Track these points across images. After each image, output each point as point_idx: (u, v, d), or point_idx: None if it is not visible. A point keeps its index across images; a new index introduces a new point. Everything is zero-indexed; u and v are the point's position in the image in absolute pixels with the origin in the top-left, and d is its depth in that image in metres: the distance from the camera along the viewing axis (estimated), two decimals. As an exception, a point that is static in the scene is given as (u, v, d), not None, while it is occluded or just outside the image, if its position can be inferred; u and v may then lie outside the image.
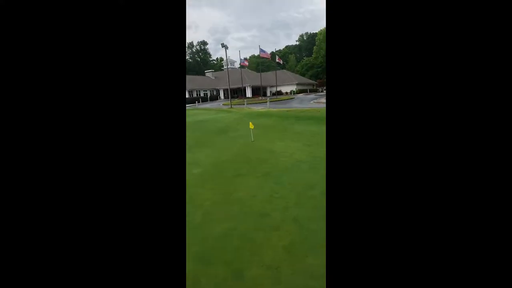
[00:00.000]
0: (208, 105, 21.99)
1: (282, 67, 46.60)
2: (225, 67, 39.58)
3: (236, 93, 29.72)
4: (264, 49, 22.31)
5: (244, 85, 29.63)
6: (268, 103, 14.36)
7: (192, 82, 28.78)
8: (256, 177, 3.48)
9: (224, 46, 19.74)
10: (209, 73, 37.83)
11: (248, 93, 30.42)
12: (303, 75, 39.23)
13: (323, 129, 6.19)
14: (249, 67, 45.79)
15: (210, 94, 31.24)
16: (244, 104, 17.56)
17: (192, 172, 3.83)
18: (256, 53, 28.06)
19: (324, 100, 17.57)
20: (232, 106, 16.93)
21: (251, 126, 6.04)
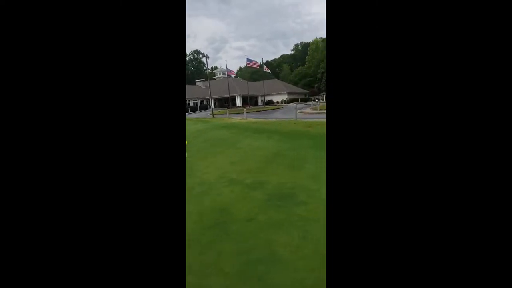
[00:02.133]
0: (195, 115, 21.76)
1: (277, 76, 46.90)
2: (217, 76, 39.83)
3: (227, 102, 29.62)
4: (251, 58, 22.26)
5: (234, 94, 29.57)
6: (245, 113, 14.07)
7: (181, 92, 28.68)
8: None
9: (205, 56, 19.58)
10: (200, 82, 37.99)
11: (238, 102, 30.30)
12: (296, 84, 39.21)
13: (270, 143, 5.78)
14: (243, 76, 46.05)
15: (200, 103, 31.17)
16: (226, 113, 17.44)
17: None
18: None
19: (308, 110, 17.24)
20: (214, 116, 16.77)
21: (187, 142, 5.61)
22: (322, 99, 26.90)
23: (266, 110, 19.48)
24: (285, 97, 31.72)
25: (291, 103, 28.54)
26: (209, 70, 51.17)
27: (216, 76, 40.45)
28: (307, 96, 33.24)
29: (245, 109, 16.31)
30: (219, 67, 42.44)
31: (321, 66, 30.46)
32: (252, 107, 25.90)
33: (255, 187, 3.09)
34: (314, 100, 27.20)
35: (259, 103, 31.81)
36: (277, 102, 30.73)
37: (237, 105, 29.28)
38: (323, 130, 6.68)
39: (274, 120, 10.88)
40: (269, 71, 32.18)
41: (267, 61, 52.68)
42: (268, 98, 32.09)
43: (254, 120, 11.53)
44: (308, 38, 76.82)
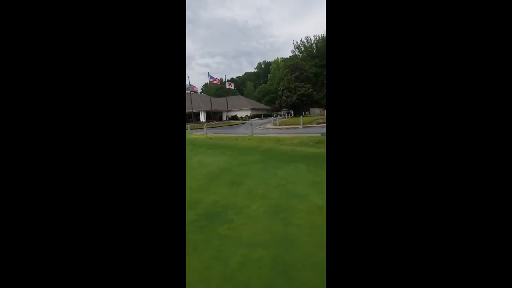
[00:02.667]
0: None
1: (241, 92, 47.93)
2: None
3: (190, 117, 28.99)
4: (213, 76, 22.42)
5: (198, 109, 29.13)
6: (205, 128, 13.88)
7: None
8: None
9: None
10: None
11: (202, 117, 29.89)
12: (260, 100, 40.52)
13: (222, 158, 5.69)
14: (209, 92, 45.88)
15: (162, 119, 29.84)
16: (188, 129, 16.98)
17: None
18: (221, 77, 28.28)
19: (269, 125, 17.76)
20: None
21: None
22: (283, 115, 28.11)
23: (229, 125, 19.53)
24: (249, 112, 32.39)
25: (255, 119, 29.20)
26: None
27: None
28: (270, 112, 34.46)
29: (205, 125, 16.09)
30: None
31: (281, 84, 32.21)
32: (216, 122, 25.74)
33: (188, 207, 2.95)
34: (276, 116, 28.33)
35: (224, 118, 31.82)
36: (241, 118, 31.15)
37: (201, 120, 28.84)
38: (272, 145, 6.90)
39: (231, 135, 10.91)
40: (232, 87, 32.73)
41: (232, 78, 53.79)
42: (232, 113, 32.34)
43: (212, 135, 11.39)
44: (271, 58, 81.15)
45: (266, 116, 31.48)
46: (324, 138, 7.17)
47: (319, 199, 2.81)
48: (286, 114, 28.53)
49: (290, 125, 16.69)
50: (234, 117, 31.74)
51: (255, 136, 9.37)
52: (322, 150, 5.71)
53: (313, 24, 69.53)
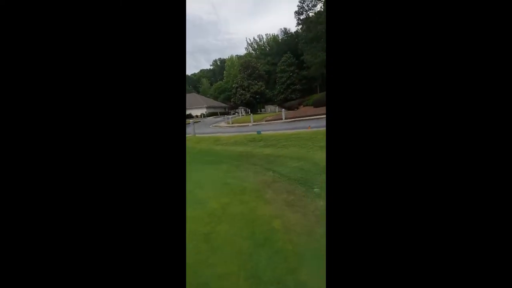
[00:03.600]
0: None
1: (198, 90, 46.31)
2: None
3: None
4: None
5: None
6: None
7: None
8: None
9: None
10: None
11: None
12: (216, 98, 39.77)
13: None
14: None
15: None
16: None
17: None
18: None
19: (223, 123, 17.52)
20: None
21: None
22: (240, 113, 28.13)
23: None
24: (204, 111, 31.53)
25: (211, 117, 28.56)
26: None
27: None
28: (226, 110, 34.15)
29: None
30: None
31: (234, 81, 32.14)
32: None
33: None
34: (233, 114, 28.18)
35: (177, 117, 30.30)
36: (196, 116, 30.13)
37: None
38: (207, 145, 6.78)
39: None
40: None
41: (187, 75, 51.46)
42: (187, 112, 31.04)
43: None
44: (228, 55, 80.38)
45: (222, 114, 31.09)
46: (258, 136, 7.36)
47: (217, 203, 2.80)
48: (242, 111, 28.64)
49: (242, 123, 16.79)
50: (189, 116, 30.53)
51: (195, 137, 9.10)
52: (251, 148, 5.83)
53: (270, 21, 70.89)
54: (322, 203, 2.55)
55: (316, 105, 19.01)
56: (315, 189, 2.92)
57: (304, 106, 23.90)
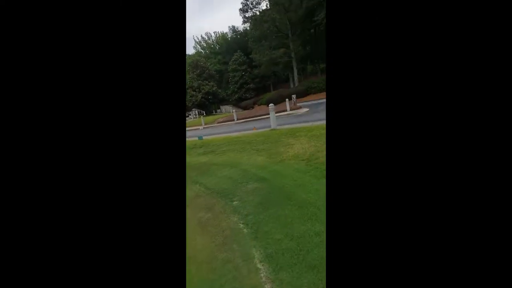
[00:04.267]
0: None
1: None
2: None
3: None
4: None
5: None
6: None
7: None
8: None
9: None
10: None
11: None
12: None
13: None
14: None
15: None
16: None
17: None
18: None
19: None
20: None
21: None
22: (193, 116, 27.01)
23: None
24: (155, 115, 29.40)
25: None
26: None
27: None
28: (180, 113, 32.47)
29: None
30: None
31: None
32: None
33: None
34: (187, 116, 26.90)
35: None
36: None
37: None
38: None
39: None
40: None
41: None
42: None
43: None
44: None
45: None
46: (199, 142, 7.01)
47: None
48: (196, 113, 27.56)
49: (192, 126, 16.08)
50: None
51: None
52: (188, 157, 5.46)
53: (217, 18, 69.54)
54: (235, 219, 2.39)
55: (269, 104, 19.38)
56: (234, 202, 2.76)
57: (258, 105, 24.15)
